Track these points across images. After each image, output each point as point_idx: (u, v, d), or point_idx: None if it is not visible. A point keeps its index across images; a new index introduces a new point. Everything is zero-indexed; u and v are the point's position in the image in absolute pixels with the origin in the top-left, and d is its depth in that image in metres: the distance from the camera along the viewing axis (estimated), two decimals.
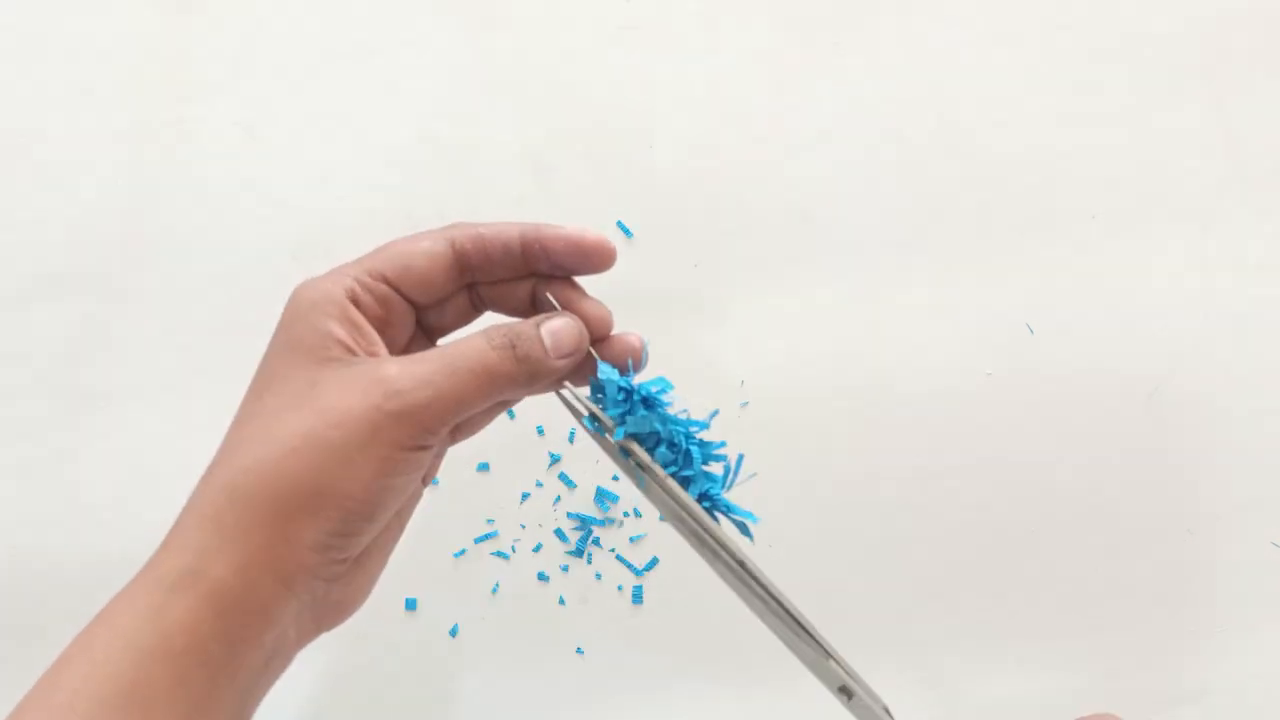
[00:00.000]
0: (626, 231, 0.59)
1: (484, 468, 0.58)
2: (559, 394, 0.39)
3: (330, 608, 0.36)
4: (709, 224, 0.59)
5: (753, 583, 0.38)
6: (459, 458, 0.58)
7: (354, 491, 0.33)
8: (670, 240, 0.59)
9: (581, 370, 0.38)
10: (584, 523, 0.57)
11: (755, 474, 0.53)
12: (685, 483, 0.38)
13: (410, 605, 0.56)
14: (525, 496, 0.58)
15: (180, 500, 0.60)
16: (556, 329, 0.36)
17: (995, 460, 0.57)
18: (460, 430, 0.39)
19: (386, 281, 0.37)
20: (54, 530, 0.58)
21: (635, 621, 0.57)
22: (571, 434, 0.58)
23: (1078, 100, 0.59)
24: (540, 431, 0.58)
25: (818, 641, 0.39)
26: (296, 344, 0.35)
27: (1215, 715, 0.55)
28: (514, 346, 0.35)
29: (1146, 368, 0.57)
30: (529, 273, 0.38)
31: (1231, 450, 0.57)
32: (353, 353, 0.35)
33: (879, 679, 0.56)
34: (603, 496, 0.57)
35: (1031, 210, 0.59)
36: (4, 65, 0.61)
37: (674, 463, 0.38)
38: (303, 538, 0.33)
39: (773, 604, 0.39)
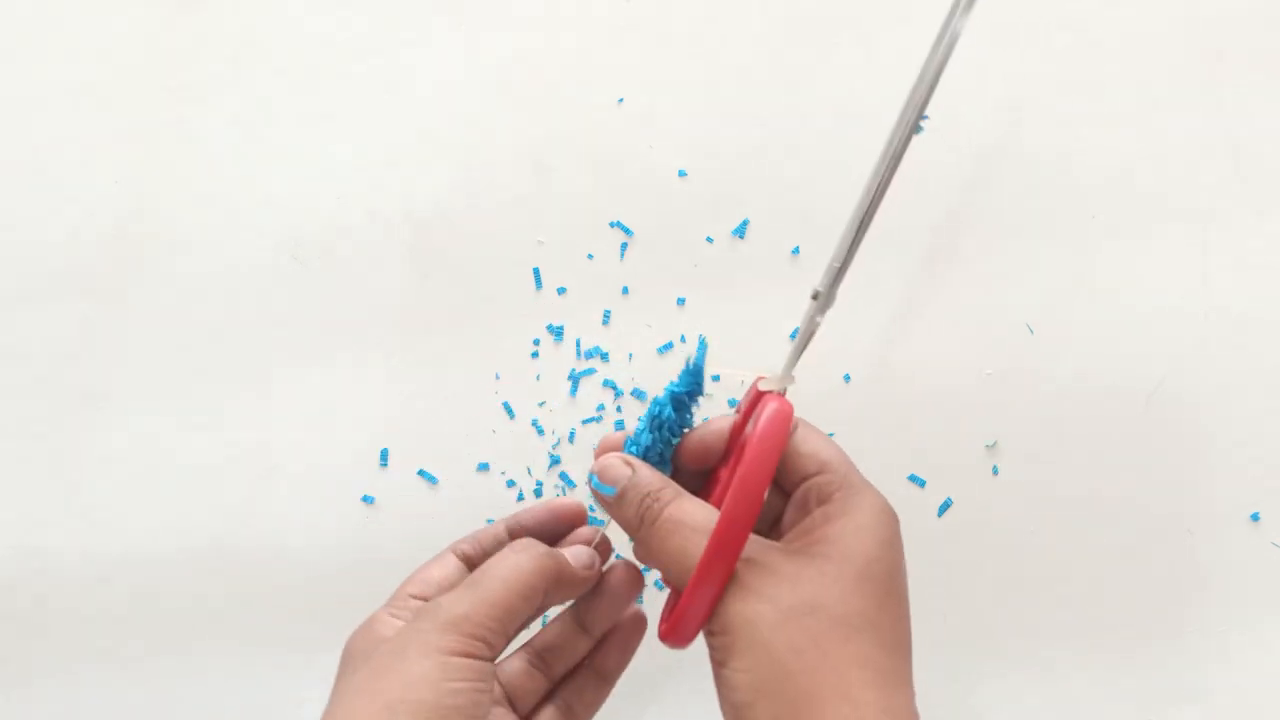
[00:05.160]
0: (627, 231, 0.59)
1: (484, 468, 0.58)
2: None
3: None
4: (709, 224, 0.59)
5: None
6: (459, 457, 0.58)
7: (421, 698, 0.35)
8: (670, 240, 0.59)
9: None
10: None
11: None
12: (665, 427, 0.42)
13: None
14: (524, 497, 0.58)
15: (179, 498, 0.60)
16: (575, 551, 0.42)
17: (994, 460, 0.57)
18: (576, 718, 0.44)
19: (415, 597, 0.41)
20: (54, 530, 0.58)
21: None
22: (572, 434, 0.58)
23: (1078, 100, 0.59)
24: (540, 431, 0.58)
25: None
26: (353, 656, 0.39)
27: (1215, 715, 0.55)
28: (533, 546, 0.40)
29: (1146, 368, 0.57)
30: None
31: (1231, 451, 0.57)
32: None
33: None
34: None
35: (1031, 210, 0.58)
36: (4, 65, 0.61)
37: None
38: None
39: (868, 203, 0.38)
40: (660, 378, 0.58)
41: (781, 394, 0.40)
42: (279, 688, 0.57)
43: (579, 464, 0.58)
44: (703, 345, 0.42)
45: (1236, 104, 0.59)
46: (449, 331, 0.59)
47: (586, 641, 0.44)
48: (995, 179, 0.59)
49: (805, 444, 0.39)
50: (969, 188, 0.59)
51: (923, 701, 0.56)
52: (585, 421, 0.58)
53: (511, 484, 0.58)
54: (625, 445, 0.42)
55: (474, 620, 0.36)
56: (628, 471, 0.39)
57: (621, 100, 0.60)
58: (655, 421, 0.41)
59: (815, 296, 0.39)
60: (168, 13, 0.61)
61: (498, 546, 0.43)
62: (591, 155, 0.60)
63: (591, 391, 0.58)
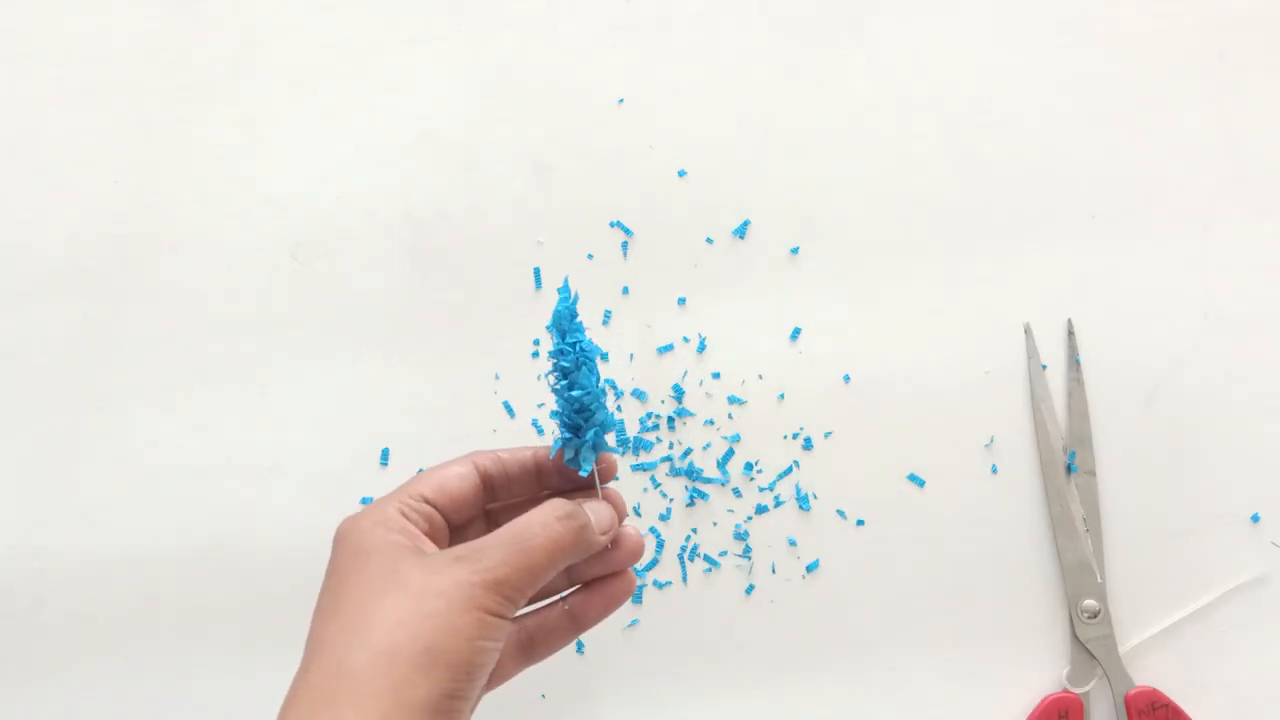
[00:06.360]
0: (627, 231, 0.59)
1: None
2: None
3: None
4: (709, 224, 0.59)
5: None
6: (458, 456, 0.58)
7: (459, 649, 0.36)
8: (670, 240, 0.59)
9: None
10: None
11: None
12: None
13: None
14: None
15: (179, 498, 0.60)
16: (595, 509, 0.42)
17: (994, 460, 0.57)
18: (535, 653, 0.44)
19: (427, 501, 0.42)
20: (54, 530, 0.58)
21: (635, 621, 0.57)
22: None
23: (1078, 100, 0.59)
24: (540, 431, 0.58)
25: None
26: (364, 552, 0.39)
27: (1215, 715, 0.55)
28: (574, 517, 0.40)
29: (1146, 368, 0.57)
30: (542, 490, 0.45)
31: (1232, 450, 0.57)
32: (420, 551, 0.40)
33: (873, 680, 0.56)
34: None
35: (1031, 210, 0.59)
36: (4, 65, 0.61)
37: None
38: (418, 699, 0.35)
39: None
40: (660, 378, 0.58)
41: None
42: (279, 688, 0.57)
43: None
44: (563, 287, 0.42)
45: (1236, 104, 0.59)
46: (449, 331, 0.59)
47: (564, 581, 0.45)
48: (996, 179, 0.59)
49: None
50: (969, 188, 0.59)
51: (922, 699, 0.56)
52: None
53: None
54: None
55: (513, 584, 0.38)
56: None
57: (621, 100, 0.60)
58: (566, 403, 0.42)
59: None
60: (168, 13, 0.61)
61: (522, 475, 0.44)
62: (591, 155, 0.60)
63: None
